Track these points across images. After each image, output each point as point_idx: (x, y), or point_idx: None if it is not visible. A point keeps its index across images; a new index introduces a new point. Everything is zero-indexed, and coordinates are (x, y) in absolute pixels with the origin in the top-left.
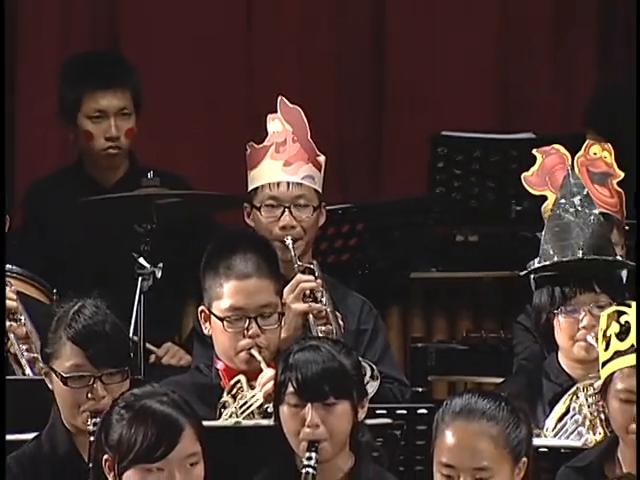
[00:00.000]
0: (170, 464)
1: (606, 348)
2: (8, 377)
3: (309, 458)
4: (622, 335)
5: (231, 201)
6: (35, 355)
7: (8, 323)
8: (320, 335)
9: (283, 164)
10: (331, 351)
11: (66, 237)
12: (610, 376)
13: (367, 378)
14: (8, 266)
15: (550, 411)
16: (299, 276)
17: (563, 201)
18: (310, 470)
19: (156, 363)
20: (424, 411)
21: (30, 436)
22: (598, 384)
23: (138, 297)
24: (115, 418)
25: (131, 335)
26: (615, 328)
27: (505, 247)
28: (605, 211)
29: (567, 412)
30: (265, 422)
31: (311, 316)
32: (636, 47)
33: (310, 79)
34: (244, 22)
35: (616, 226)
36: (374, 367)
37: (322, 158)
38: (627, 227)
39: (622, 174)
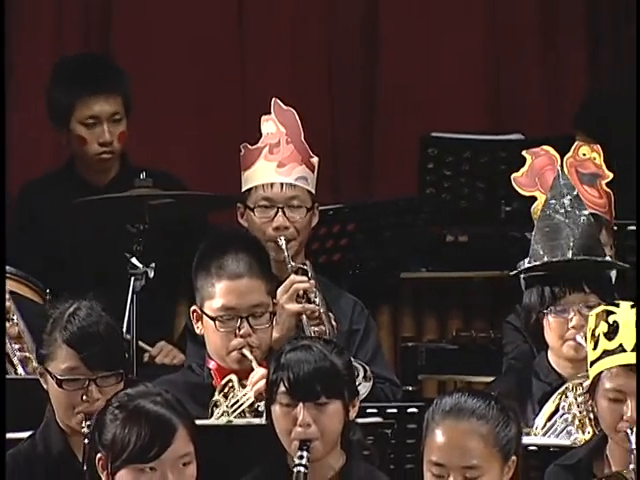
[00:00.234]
0: (163, 464)
1: (594, 347)
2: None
3: (301, 457)
4: (610, 334)
5: (224, 202)
6: (27, 354)
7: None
8: (313, 335)
9: (277, 165)
10: (323, 351)
11: (59, 238)
12: (598, 375)
13: (360, 379)
14: None
15: (539, 410)
16: (293, 277)
17: (553, 202)
18: (301, 469)
19: (150, 362)
20: (414, 410)
21: (25, 435)
22: (587, 383)
23: (131, 297)
24: (109, 418)
25: (124, 334)
26: (603, 328)
27: (495, 247)
28: (594, 212)
29: (556, 411)
30: (257, 421)
31: (304, 316)
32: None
33: (302, 81)
34: (236, 24)
35: (605, 227)
36: (367, 368)
37: (315, 159)
38: (615, 227)
39: (611, 175)
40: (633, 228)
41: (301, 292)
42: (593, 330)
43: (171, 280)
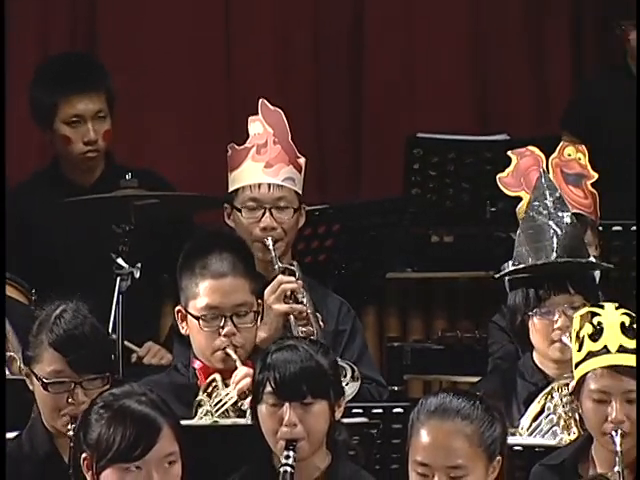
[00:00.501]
0: (148, 463)
1: (579, 349)
2: None
3: (287, 457)
4: (595, 336)
5: (209, 202)
6: (12, 354)
7: None
8: (301, 336)
9: (264, 166)
10: (309, 351)
11: (45, 238)
12: (583, 377)
13: (347, 379)
14: None
15: (525, 410)
16: (280, 277)
17: (536, 203)
18: (288, 469)
19: (138, 363)
20: (400, 410)
21: (11, 435)
22: (572, 384)
23: (116, 297)
24: (94, 418)
25: (110, 335)
26: (588, 329)
27: (480, 247)
28: (579, 212)
29: (542, 412)
30: (242, 421)
31: (292, 317)
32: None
33: (289, 81)
34: (222, 24)
35: (590, 227)
36: (355, 368)
37: (302, 160)
38: (601, 227)
39: (596, 175)
40: (619, 228)
41: (289, 292)
42: (578, 332)
43: (157, 280)
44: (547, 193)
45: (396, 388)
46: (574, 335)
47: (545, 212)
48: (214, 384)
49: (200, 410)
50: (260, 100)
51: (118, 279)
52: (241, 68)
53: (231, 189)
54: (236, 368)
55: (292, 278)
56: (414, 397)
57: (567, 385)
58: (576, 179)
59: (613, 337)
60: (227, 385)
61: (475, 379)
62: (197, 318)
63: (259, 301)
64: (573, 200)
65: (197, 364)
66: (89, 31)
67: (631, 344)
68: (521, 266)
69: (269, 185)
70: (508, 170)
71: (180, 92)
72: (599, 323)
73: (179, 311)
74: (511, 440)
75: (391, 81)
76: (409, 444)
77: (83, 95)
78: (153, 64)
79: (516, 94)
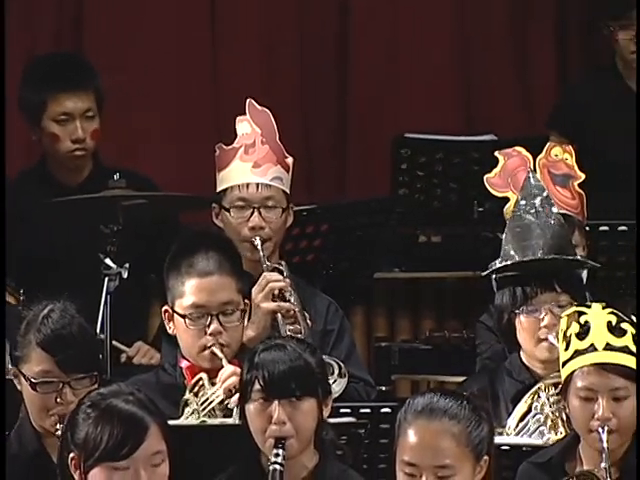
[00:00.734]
0: (135, 462)
1: (566, 348)
2: None
3: (277, 455)
4: (582, 335)
5: (197, 202)
6: None
7: None
8: (288, 334)
9: (252, 165)
10: (297, 349)
11: (33, 238)
12: (570, 375)
13: (335, 376)
14: None
15: (512, 409)
16: (268, 275)
17: (523, 203)
18: (277, 467)
19: (127, 362)
20: (387, 410)
21: None
22: (559, 383)
23: (104, 297)
24: (81, 417)
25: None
26: (575, 328)
27: (467, 248)
28: (566, 212)
29: (529, 411)
30: (230, 421)
31: (280, 315)
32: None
33: (274, 81)
34: (208, 24)
35: (577, 227)
36: (342, 365)
37: (290, 160)
38: (587, 228)
39: (583, 176)
40: (605, 229)
41: (276, 291)
42: (565, 331)
43: (145, 281)
44: (535, 192)
45: (384, 388)
46: (561, 335)
47: (532, 212)
48: (200, 383)
49: (187, 409)
50: (248, 100)
51: (106, 279)
52: (228, 68)
53: (219, 189)
54: (222, 367)
55: (280, 276)
56: (402, 397)
57: (554, 385)
58: (563, 180)
59: (600, 335)
60: (214, 384)
61: (463, 379)
62: (183, 317)
63: (246, 300)
64: (560, 201)
65: (184, 363)
66: (76, 32)
67: (618, 342)
68: (508, 262)
69: (257, 185)
70: (495, 171)
71: (167, 92)
72: (586, 322)
73: (166, 311)
74: (498, 439)
75: (377, 82)
76: (397, 444)
77: (72, 93)
78: (140, 64)
79: (501, 98)
